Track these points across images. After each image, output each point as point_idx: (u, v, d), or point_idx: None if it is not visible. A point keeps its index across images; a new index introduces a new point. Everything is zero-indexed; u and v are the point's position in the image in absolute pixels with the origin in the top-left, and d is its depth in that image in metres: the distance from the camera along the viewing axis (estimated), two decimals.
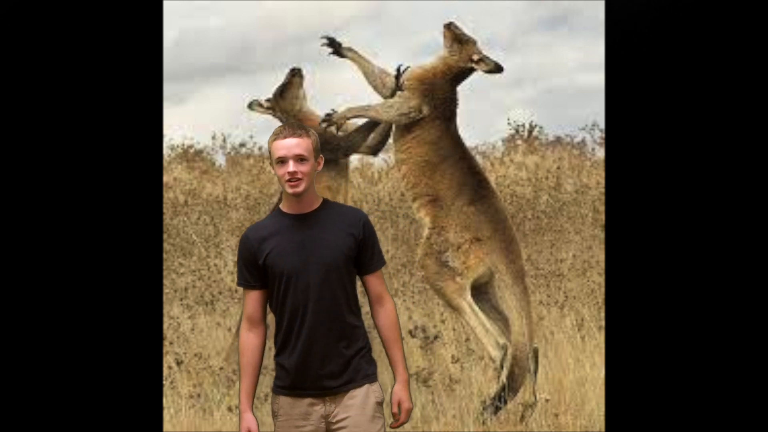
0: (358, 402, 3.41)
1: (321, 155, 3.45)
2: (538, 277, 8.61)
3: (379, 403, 3.44)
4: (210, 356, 6.81)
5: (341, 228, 3.42)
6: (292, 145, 3.37)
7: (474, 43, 5.99)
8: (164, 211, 10.95)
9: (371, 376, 3.45)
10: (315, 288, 3.38)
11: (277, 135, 3.40)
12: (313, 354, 3.38)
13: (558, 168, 12.62)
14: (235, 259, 9.79)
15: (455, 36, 5.97)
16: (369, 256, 3.46)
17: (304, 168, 3.38)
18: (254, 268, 3.43)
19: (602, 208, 10.40)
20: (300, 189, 3.38)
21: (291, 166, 3.37)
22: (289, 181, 3.38)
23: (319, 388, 3.40)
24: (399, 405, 3.45)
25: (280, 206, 3.47)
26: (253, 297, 3.46)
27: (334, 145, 6.15)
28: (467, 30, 6.03)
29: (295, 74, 6.46)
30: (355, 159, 11.66)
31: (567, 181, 12.34)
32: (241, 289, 8.18)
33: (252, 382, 3.45)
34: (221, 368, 6.35)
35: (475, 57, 5.96)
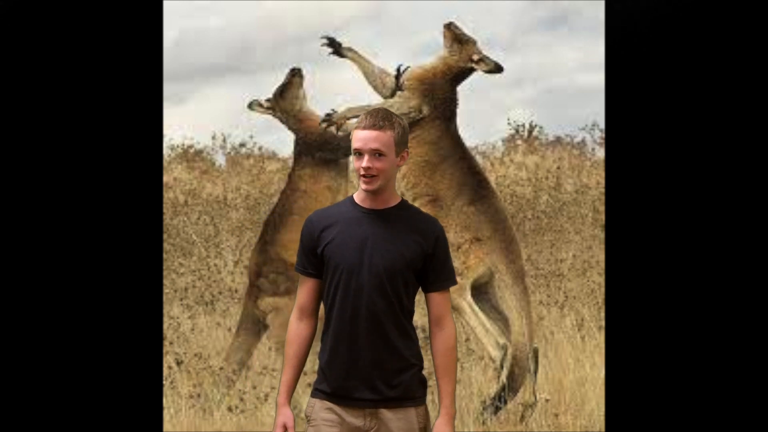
0: (402, 426, 3.13)
1: (407, 149, 3.16)
2: (538, 277, 8.60)
3: (423, 430, 3.17)
4: (210, 356, 6.80)
5: (411, 234, 3.13)
6: (369, 138, 3.08)
7: (474, 43, 5.99)
8: (164, 211, 10.94)
9: (419, 399, 3.17)
10: (369, 291, 3.09)
11: (358, 124, 3.11)
12: (359, 362, 3.11)
13: (558, 168, 12.61)
14: (235, 259, 9.81)
15: (455, 36, 5.98)
16: (436, 272, 3.15)
17: (380, 164, 3.08)
18: (313, 255, 3.16)
19: (602, 208, 10.40)
20: (373, 186, 3.10)
21: (365, 161, 3.08)
22: (363, 176, 3.10)
23: (360, 398, 3.12)
24: None
25: (354, 195, 3.19)
26: (308, 285, 3.19)
27: (334, 145, 6.15)
28: (467, 30, 6.03)
29: (295, 74, 6.45)
30: None
31: (567, 181, 12.33)
32: (241, 290, 8.22)
33: (294, 376, 3.19)
34: (221, 368, 6.35)
35: (475, 57, 5.96)
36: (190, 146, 15.13)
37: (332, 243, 3.13)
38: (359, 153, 3.10)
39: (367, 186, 3.10)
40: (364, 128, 3.09)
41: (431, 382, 3.31)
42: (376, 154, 3.08)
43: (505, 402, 5.67)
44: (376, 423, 3.13)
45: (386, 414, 3.13)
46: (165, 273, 9.00)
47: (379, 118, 3.10)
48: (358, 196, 3.17)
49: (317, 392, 3.18)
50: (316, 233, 3.15)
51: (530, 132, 15.03)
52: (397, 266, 3.10)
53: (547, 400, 5.70)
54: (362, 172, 3.09)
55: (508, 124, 16.50)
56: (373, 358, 3.11)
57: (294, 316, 3.23)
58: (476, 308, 5.81)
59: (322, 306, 3.27)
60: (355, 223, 3.14)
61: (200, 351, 6.86)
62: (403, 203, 3.18)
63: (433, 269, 3.15)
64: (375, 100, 6.08)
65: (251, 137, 15.45)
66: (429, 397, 3.26)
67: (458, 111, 6.05)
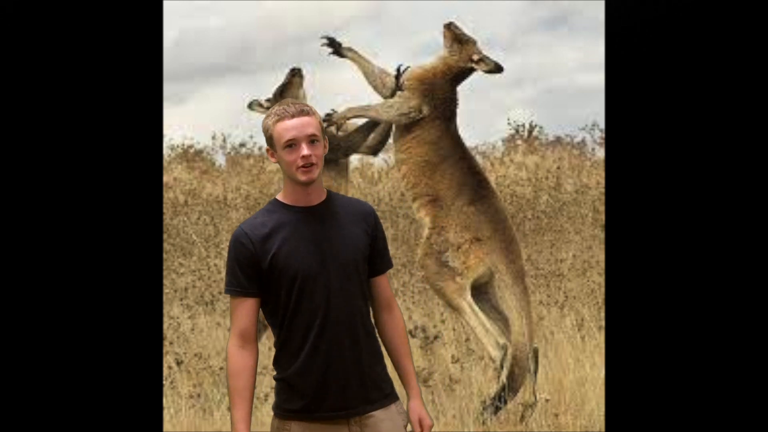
0: (390, 427, 2.97)
1: (326, 136, 3.01)
2: (538, 277, 8.61)
3: (406, 426, 3.02)
4: (210, 356, 6.81)
5: (354, 223, 2.97)
6: (303, 124, 2.90)
7: (474, 43, 5.99)
8: (164, 211, 10.95)
9: (395, 394, 3.02)
10: (335, 293, 2.91)
11: (280, 116, 2.91)
12: (335, 370, 2.92)
13: (558, 168, 12.63)
14: None
15: (455, 36, 5.98)
16: (381, 255, 3.01)
17: (317, 151, 2.91)
18: (253, 272, 2.93)
19: (602, 208, 10.40)
20: (314, 175, 2.90)
21: (305, 149, 2.89)
22: (303, 167, 2.90)
23: (343, 408, 2.93)
24: (420, 423, 3.02)
25: (279, 198, 2.99)
26: (248, 307, 2.94)
27: (334, 145, 6.14)
28: (467, 30, 6.04)
29: (295, 74, 6.46)
30: (355, 159, 11.68)
31: (567, 181, 12.34)
32: None
33: (249, 409, 2.94)
34: (221, 368, 6.35)
35: (475, 57, 5.96)
36: (190, 146, 15.15)
37: (281, 252, 2.91)
38: (292, 144, 2.90)
39: (309, 176, 2.91)
40: (293, 116, 2.91)
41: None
42: (312, 140, 2.91)
43: (505, 402, 5.67)
44: (362, 429, 2.96)
45: (371, 418, 2.96)
46: (165, 273, 9.01)
47: (300, 105, 2.95)
48: (286, 198, 2.98)
49: (289, 412, 2.97)
50: (256, 247, 2.92)
51: (530, 132, 15.04)
52: (357, 259, 2.95)
53: (547, 400, 5.70)
54: (301, 163, 2.89)
55: (508, 124, 16.52)
56: (348, 363, 2.93)
57: (235, 345, 2.95)
58: (476, 308, 5.81)
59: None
60: (297, 225, 2.94)
61: (200, 351, 6.87)
62: (331, 193, 3.01)
63: (377, 252, 3.01)
64: (375, 100, 6.09)
65: (251, 137, 15.48)
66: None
67: (458, 111, 6.06)
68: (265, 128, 2.95)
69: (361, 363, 2.95)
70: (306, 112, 2.92)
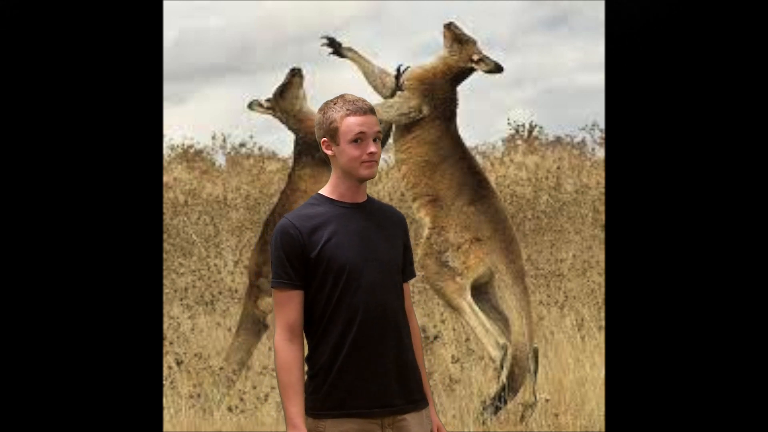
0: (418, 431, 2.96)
1: None
2: (538, 277, 8.61)
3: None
4: (210, 356, 6.81)
5: (393, 226, 3.00)
6: (372, 122, 2.94)
7: (474, 43, 6.00)
8: (164, 211, 10.95)
9: (425, 400, 3.00)
10: (379, 288, 2.91)
11: (352, 111, 2.96)
12: (376, 365, 2.90)
13: (558, 168, 12.62)
14: (235, 259, 9.80)
15: (455, 36, 5.99)
16: (409, 261, 3.04)
17: (379, 149, 2.96)
18: (301, 263, 2.90)
19: (602, 208, 10.40)
20: (374, 172, 2.93)
21: (372, 146, 2.92)
22: (366, 162, 2.92)
23: (380, 406, 2.91)
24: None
25: (323, 193, 2.98)
26: (297, 300, 2.91)
27: None
28: (467, 30, 6.04)
29: (295, 74, 6.46)
30: None
31: (567, 181, 12.33)
32: (240, 289, 8.21)
33: (303, 402, 2.90)
34: (221, 368, 6.35)
35: (475, 57, 5.97)
36: (190, 146, 15.14)
37: (330, 243, 2.90)
38: (360, 139, 2.93)
39: (370, 172, 2.93)
40: (364, 113, 2.95)
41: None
42: (376, 138, 2.95)
43: (505, 402, 5.67)
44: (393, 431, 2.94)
45: (403, 420, 2.93)
46: (165, 273, 9.00)
47: (368, 103, 2.99)
48: (332, 193, 2.98)
49: (326, 411, 2.92)
50: (304, 238, 2.91)
51: (530, 132, 15.04)
52: (396, 259, 2.97)
53: (547, 400, 5.70)
54: (367, 158, 2.93)
55: (508, 124, 16.52)
56: (393, 360, 2.92)
57: (284, 338, 2.92)
58: (476, 308, 5.81)
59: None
60: (346, 220, 2.94)
61: (200, 351, 6.87)
62: (369, 196, 3.02)
63: (406, 260, 3.02)
64: (375, 99, 6.09)
65: (251, 137, 15.47)
66: None
67: (458, 111, 6.06)
68: (329, 120, 2.96)
69: (403, 360, 2.93)
70: (373, 111, 2.98)
